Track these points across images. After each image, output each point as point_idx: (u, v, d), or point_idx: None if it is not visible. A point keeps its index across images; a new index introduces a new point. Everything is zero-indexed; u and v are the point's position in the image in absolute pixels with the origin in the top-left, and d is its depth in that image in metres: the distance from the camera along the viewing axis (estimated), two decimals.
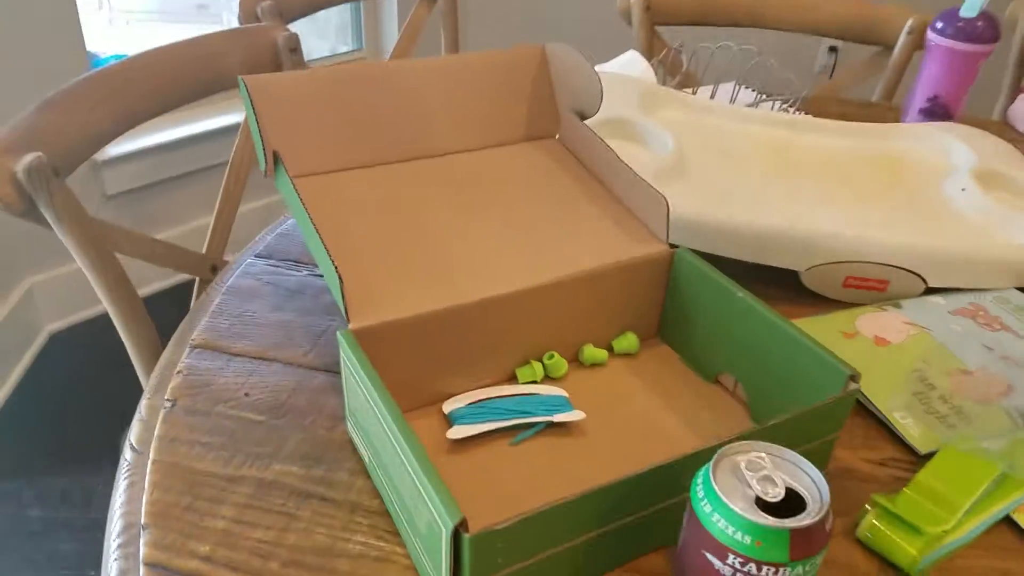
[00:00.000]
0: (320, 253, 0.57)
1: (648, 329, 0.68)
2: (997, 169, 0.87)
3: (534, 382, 0.63)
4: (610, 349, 0.67)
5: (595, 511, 0.46)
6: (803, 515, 0.39)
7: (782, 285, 0.76)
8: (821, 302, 0.75)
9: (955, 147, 0.91)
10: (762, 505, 0.39)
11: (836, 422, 0.55)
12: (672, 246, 0.65)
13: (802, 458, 0.41)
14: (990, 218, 0.81)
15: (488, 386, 0.62)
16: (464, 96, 0.72)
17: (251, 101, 0.63)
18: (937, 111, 1.06)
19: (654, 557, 0.51)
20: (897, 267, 0.74)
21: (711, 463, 0.41)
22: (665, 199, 0.63)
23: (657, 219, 0.65)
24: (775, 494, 0.39)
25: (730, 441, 0.43)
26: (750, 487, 0.40)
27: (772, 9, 1.34)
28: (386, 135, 0.69)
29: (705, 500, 0.40)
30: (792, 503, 0.39)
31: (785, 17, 1.33)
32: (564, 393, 0.61)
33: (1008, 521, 0.56)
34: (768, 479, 0.40)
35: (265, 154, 0.63)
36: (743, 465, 0.40)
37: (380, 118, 0.69)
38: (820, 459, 0.57)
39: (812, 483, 0.40)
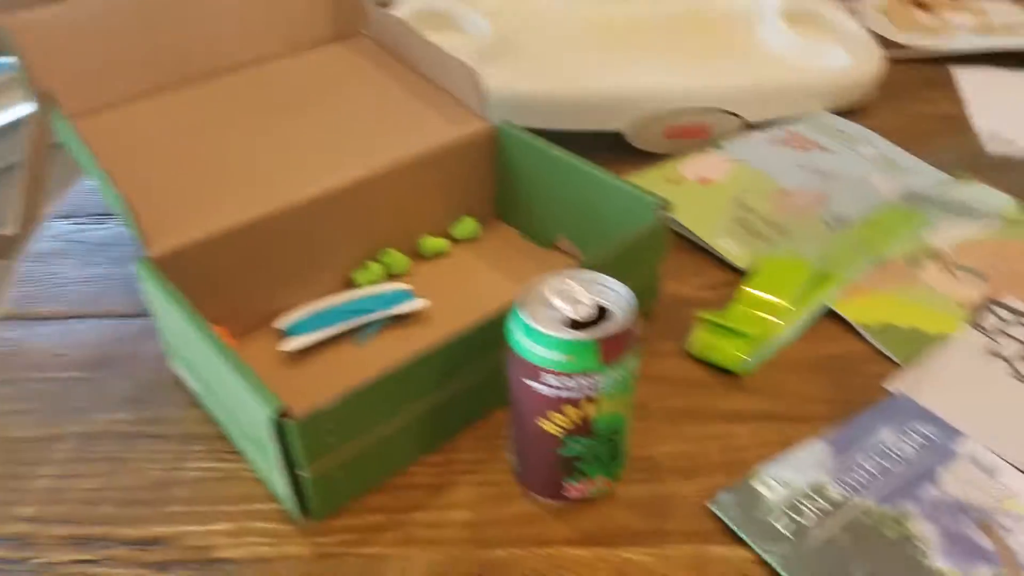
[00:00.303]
0: (107, 189, 0.53)
1: (487, 211, 0.67)
2: (803, 7, 0.90)
3: (375, 284, 0.62)
4: (452, 238, 0.66)
5: (425, 378, 0.45)
6: (607, 324, 0.39)
7: (613, 150, 0.76)
8: (651, 159, 0.76)
9: None
10: (576, 325, 0.39)
11: (656, 251, 0.56)
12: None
13: (608, 277, 0.41)
14: (798, 51, 0.83)
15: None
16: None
17: (12, 45, 0.57)
18: None
19: (500, 416, 0.52)
20: (714, 109, 0.76)
21: (520, 297, 0.41)
22: (475, 72, 0.62)
23: (473, 95, 0.63)
24: (585, 313, 0.39)
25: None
26: (558, 311, 0.40)
27: None
28: (171, 54, 0.63)
29: (516, 331, 0.40)
30: (604, 318, 0.40)
31: None
32: (408, 287, 0.60)
33: (832, 313, 0.59)
34: (576, 301, 0.40)
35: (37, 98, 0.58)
36: (550, 293, 0.40)
37: (162, 36, 0.63)
38: (649, 290, 0.58)
39: (620, 296, 0.41)
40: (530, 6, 0.90)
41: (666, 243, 0.56)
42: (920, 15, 0.92)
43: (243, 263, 0.55)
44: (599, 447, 0.43)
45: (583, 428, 0.41)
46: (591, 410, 0.40)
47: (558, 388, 0.39)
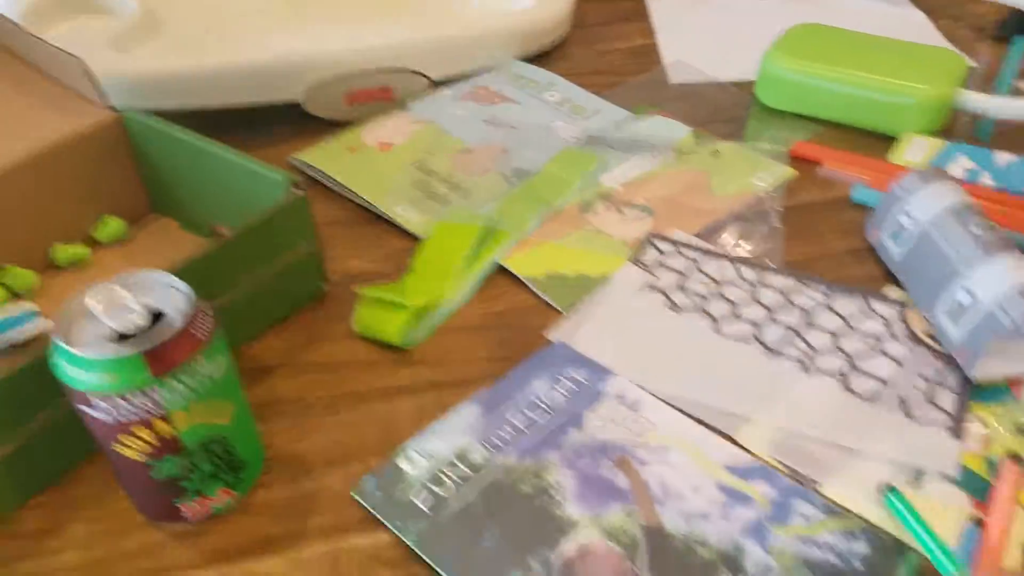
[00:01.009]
0: None
1: (138, 206, 0.61)
2: None
3: None
4: (94, 241, 0.60)
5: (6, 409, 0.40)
6: (157, 330, 0.35)
7: (289, 122, 0.72)
8: (332, 127, 0.72)
9: None
10: (125, 338, 0.35)
11: (299, 230, 0.52)
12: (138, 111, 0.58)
13: (172, 276, 0.38)
14: (483, 1, 0.81)
15: None
16: None
17: None
18: None
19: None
20: (396, 69, 0.73)
21: (59, 315, 0.36)
22: (83, 61, 0.55)
23: (86, 85, 0.56)
24: (131, 323, 0.35)
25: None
26: (104, 325, 0.35)
27: None
28: None
29: (56, 354, 0.35)
30: (159, 324, 0.36)
31: None
32: (32, 307, 0.54)
33: (504, 270, 0.58)
34: (125, 309, 0.36)
35: None
36: (93, 304, 0.36)
37: None
38: (309, 272, 0.55)
39: (180, 296, 0.37)
40: None
41: (309, 220, 0.53)
42: None
43: None
44: (199, 462, 0.39)
45: (169, 446, 0.38)
46: (166, 428, 0.37)
47: (114, 412, 0.35)
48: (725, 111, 0.72)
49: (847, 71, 0.66)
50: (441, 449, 0.46)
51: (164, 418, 0.36)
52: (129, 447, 0.37)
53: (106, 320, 0.35)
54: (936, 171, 0.53)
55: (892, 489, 0.42)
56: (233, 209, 0.55)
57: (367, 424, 0.48)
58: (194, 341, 0.36)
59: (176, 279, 0.37)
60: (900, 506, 0.41)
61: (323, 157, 0.67)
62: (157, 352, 0.35)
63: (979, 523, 0.40)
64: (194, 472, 0.39)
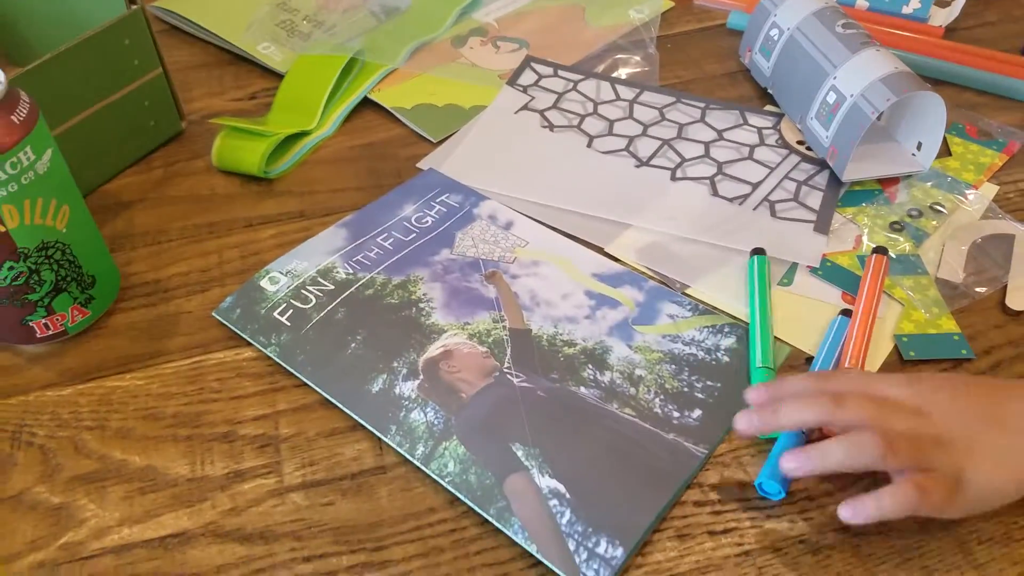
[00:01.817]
0: None
1: None
2: None
3: None
4: None
5: None
6: None
7: None
8: None
9: None
10: None
11: (141, 54, 0.47)
12: None
13: None
14: None
15: None
16: None
17: None
18: None
19: None
20: None
21: None
22: None
23: None
24: None
25: None
26: None
27: None
28: None
29: None
30: None
31: None
32: None
33: (373, 103, 0.54)
34: None
35: None
36: None
37: None
38: (163, 107, 0.50)
39: None
40: None
41: (149, 41, 0.47)
42: None
43: None
44: (40, 268, 0.35)
45: (3, 247, 0.34)
46: None
47: None
48: None
49: None
50: (304, 268, 0.43)
51: None
52: None
53: None
54: None
55: (758, 252, 0.42)
56: (70, 32, 0.49)
57: (228, 251, 0.45)
58: (11, 127, 0.32)
59: None
60: (756, 269, 0.41)
61: (185, 3, 0.61)
62: None
63: (848, 314, 0.40)
64: (36, 282, 0.36)
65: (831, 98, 0.45)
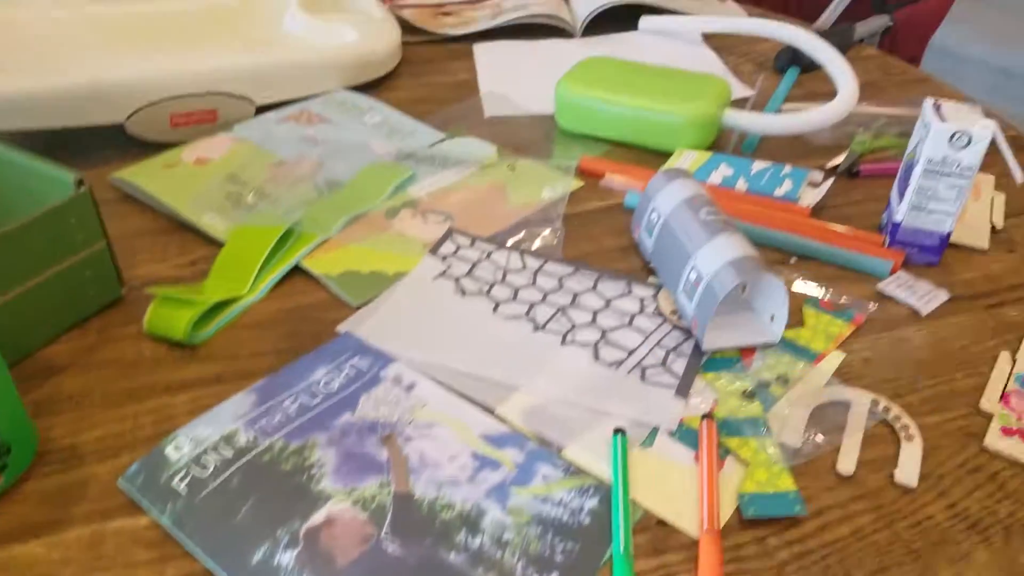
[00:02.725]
0: None
1: None
2: None
3: None
4: None
5: None
6: None
7: (114, 145, 0.70)
8: (158, 149, 0.70)
9: None
10: None
11: (86, 230, 0.51)
12: None
13: None
14: (316, 33, 0.82)
15: None
16: None
17: None
18: None
19: None
20: (221, 94, 0.73)
21: None
22: None
23: None
24: None
25: None
26: None
27: None
28: None
29: None
30: None
31: None
32: None
33: (303, 270, 0.58)
34: None
35: None
36: None
37: None
38: (103, 276, 0.53)
39: None
40: (20, 16, 0.80)
41: (95, 219, 0.51)
42: (446, 19, 0.96)
43: None
44: None
45: None
46: None
47: None
48: (531, 135, 0.75)
49: (626, 96, 0.70)
50: (208, 435, 0.44)
51: None
52: None
53: None
54: (677, 171, 0.56)
55: (619, 432, 0.44)
56: (23, 212, 0.53)
57: (144, 416, 0.47)
58: None
59: None
60: (619, 448, 0.43)
61: (140, 174, 0.65)
62: None
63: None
64: None
65: (693, 276, 0.49)
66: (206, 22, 0.84)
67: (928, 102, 0.55)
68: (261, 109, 0.75)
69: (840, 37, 0.93)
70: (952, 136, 0.53)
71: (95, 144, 0.71)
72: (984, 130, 0.52)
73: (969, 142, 0.52)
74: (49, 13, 0.79)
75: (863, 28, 1.02)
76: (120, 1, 0.83)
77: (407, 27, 0.93)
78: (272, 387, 0.48)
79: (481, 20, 0.95)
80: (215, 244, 0.60)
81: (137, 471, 0.42)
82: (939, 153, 0.53)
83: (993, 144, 0.56)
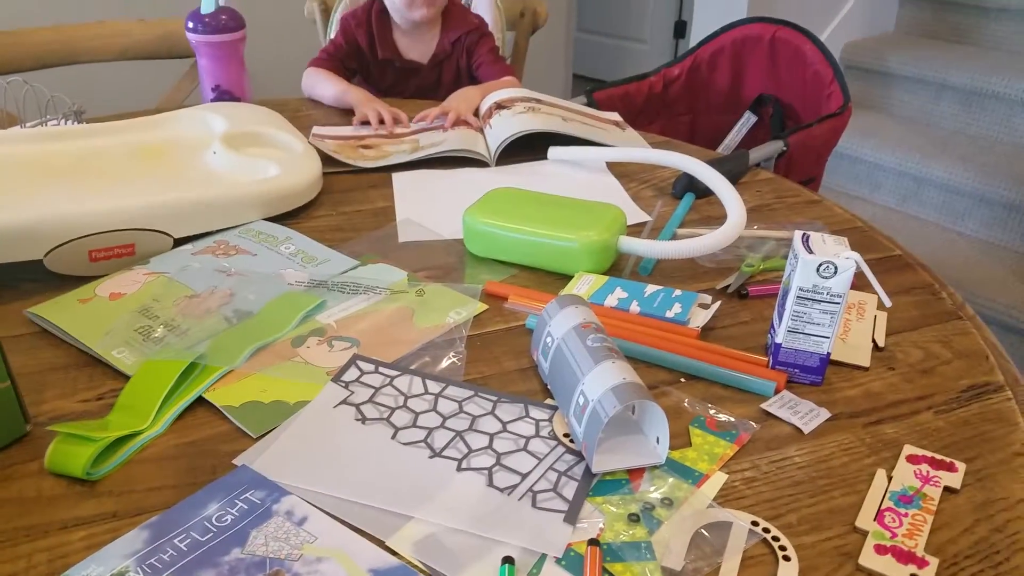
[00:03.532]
0: None
1: None
2: (246, 130, 0.94)
3: None
4: None
5: None
6: None
7: (32, 278, 0.72)
8: (76, 282, 0.72)
9: (213, 120, 0.96)
10: None
11: None
12: None
13: None
14: (238, 167, 0.86)
15: None
16: None
17: None
18: (225, 98, 1.12)
19: None
20: (139, 229, 0.75)
21: None
22: None
23: None
24: None
25: None
26: None
27: (83, 42, 1.29)
28: None
29: None
30: None
31: (99, 47, 1.29)
32: None
33: (207, 402, 0.59)
34: None
35: None
36: None
37: None
38: (7, 413, 0.53)
39: None
40: None
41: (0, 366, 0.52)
42: (366, 152, 1.02)
43: None
44: None
45: None
46: None
47: None
48: (442, 259, 0.79)
49: (528, 224, 0.75)
50: (100, 574, 0.44)
51: None
52: None
53: None
54: (571, 297, 0.60)
55: (507, 561, 0.45)
56: None
57: (38, 554, 0.46)
58: None
59: None
60: None
61: (54, 309, 0.67)
62: None
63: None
64: None
65: (581, 400, 0.51)
66: (131, 159, 0.87)
67: (798, 235, 0.61)
68: (182, 240, 0.77)
69: (735, 163, 1.01)
70: (819, 267, 0.57)
71: (14, 276, 0.72)
72: (847, 260, 0.57)
73: (835, 272, 0.57)
74: None
75: (756, 154, 1.12)
76: (44, 140, 0.86)
77: (328, 159, 0.98)
78: (165, 523, 0.48)
79: (399, 155, 1.01)
80: (123, 377, 0.61)
81: None
82: (809, 282, 0.58)
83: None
